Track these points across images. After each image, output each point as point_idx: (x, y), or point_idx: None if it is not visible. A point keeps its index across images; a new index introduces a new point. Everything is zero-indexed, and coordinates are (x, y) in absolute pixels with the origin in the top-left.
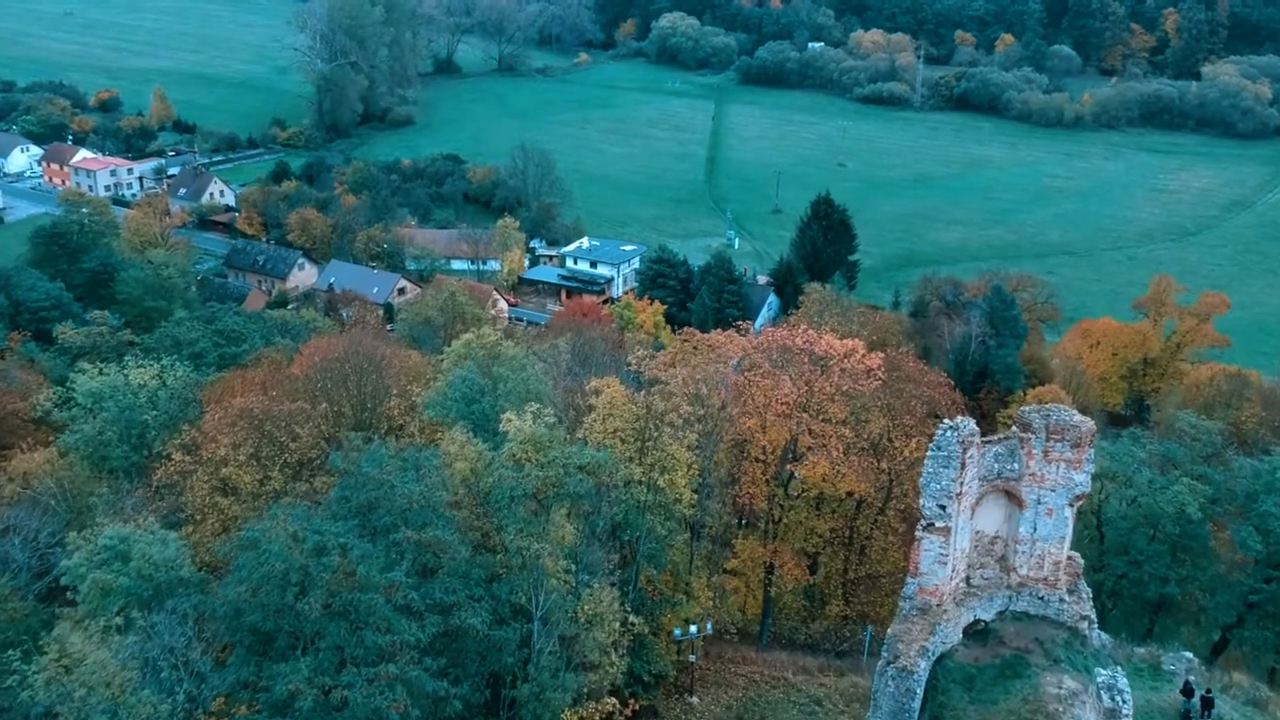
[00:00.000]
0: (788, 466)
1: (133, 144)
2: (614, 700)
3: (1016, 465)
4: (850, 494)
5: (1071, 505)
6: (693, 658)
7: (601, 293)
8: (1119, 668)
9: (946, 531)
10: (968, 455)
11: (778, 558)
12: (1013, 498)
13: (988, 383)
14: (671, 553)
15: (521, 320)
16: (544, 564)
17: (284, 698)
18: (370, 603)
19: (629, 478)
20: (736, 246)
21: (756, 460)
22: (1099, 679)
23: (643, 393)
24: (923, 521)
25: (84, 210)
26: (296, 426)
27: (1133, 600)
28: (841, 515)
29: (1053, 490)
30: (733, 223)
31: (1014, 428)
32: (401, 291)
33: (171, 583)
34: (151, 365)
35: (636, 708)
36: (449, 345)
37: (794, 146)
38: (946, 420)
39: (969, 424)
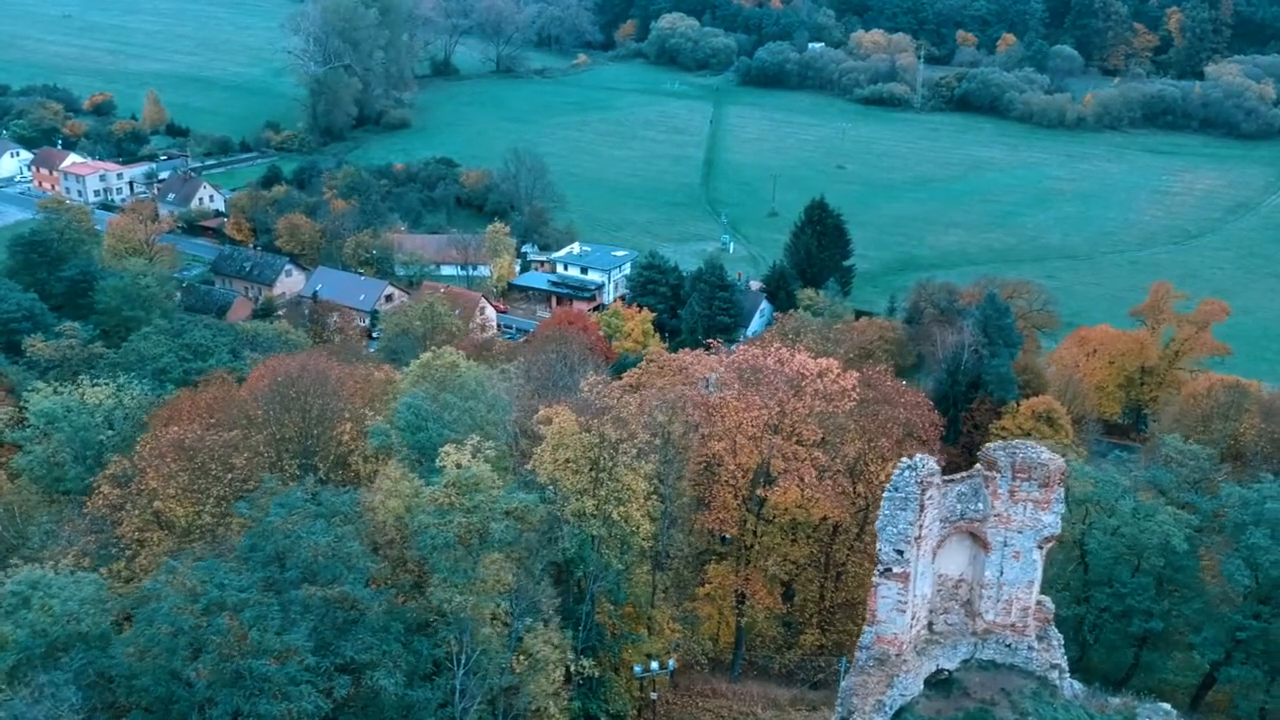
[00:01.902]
0: (758, 491)
1: (124, 148)
2: None
3: (981, 505)
4: (825, 519)
5: (1040, 547)
6: (653, 695)
7: (592, 299)
8: None
9: (905, 577)
10: (927, 496)
11: (749, 585)
12: (978, 539)
13: (981, 393)
14: (633, 586)
15: (510, 327)
16: (467, 616)
17: None
18: (261, 669)
19: (581, 511)
20: (731, 251)
21: (727, 484)
22: None
23: (594, 421)
24: (880, 566)
25: (63, 218)
26: (232, 457)
27: (1116, 634)
28: (817, 541)
29: (1020, 532)
30: (728, 226)
31: (978, 465)
32: (389, 298)
33: (69, 637)
34: (107, 384)
35: None
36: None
37: (793, 148)
38: (905, 459)
39: (928, 463)
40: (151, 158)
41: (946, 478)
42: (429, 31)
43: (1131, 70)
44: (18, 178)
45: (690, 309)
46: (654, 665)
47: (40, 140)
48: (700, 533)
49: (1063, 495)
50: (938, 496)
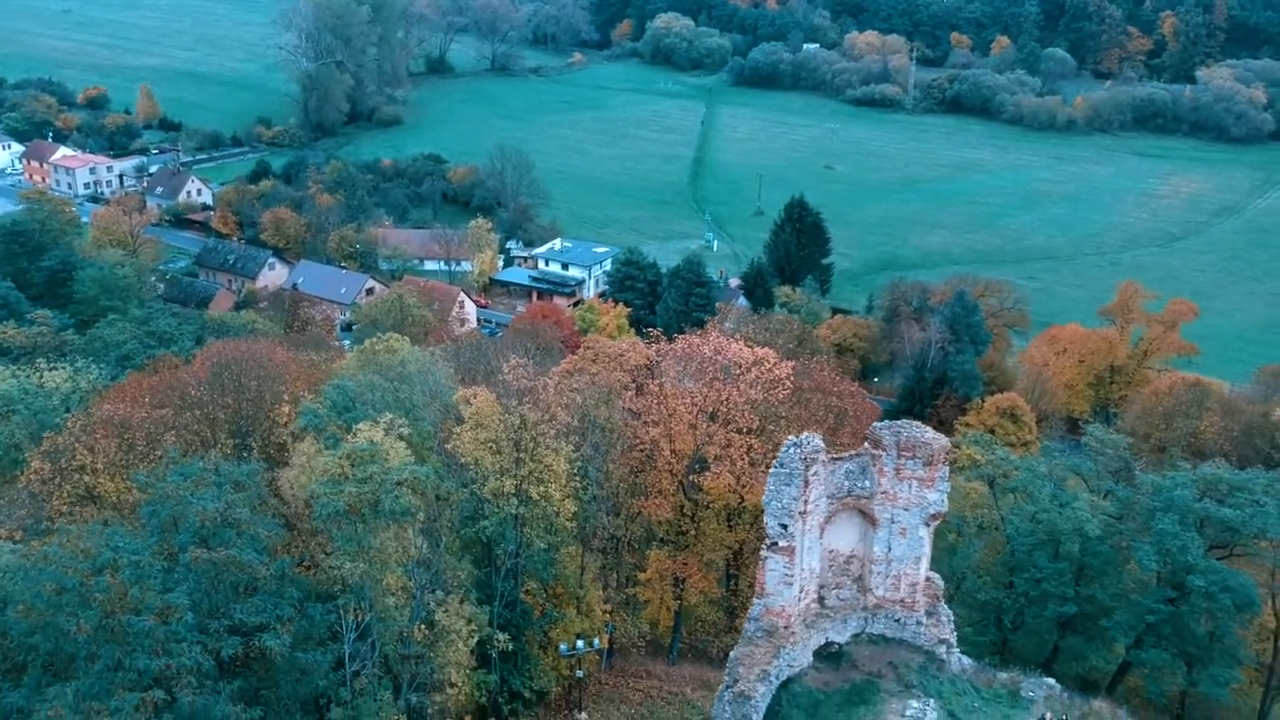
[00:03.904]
0: (692, 477)
1: (116, 142)
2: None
3: (868, 483)
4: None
5: (927, 525)
6: (579, 674)
7: (573, 295)
8: (976, 692)
9: (790, 551)
10: (811, 472)
11: (686, 570)
12: (867, 516)
13: (946, 389)
14: (562, 566)
15: (490, 322)
16: (360, 583)
17: None
18: (141, 625)
19: (499, 490)
20: (715, 249)
21: (664, 470)
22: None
23: (515, 403)
24: (767, 540)
25: (45, 209)
26: (163, 434)
27: (1035, 619)
28: (756, 527)
29: (906, 509)
30: (712, 224)
31: (866, 443)
32: (370, 292)
33: None
34: (64, 368)
35: None
36: None
37: (783, 149)
38: (791, 437)
39: (813, 440)
40: (142, 151)
41: (834, 455)
42: (424, 29)
43: (1124, 73)
44: (9, 170)
45: (666, 304)
46: (580, 644)
47: (32, 133)
48: (641, 519)
49: (947, 474)
50: (824, 473)
